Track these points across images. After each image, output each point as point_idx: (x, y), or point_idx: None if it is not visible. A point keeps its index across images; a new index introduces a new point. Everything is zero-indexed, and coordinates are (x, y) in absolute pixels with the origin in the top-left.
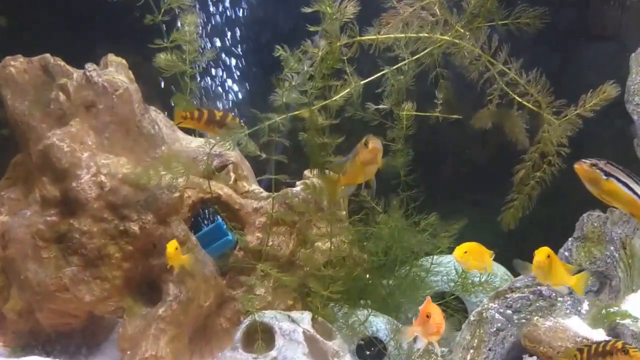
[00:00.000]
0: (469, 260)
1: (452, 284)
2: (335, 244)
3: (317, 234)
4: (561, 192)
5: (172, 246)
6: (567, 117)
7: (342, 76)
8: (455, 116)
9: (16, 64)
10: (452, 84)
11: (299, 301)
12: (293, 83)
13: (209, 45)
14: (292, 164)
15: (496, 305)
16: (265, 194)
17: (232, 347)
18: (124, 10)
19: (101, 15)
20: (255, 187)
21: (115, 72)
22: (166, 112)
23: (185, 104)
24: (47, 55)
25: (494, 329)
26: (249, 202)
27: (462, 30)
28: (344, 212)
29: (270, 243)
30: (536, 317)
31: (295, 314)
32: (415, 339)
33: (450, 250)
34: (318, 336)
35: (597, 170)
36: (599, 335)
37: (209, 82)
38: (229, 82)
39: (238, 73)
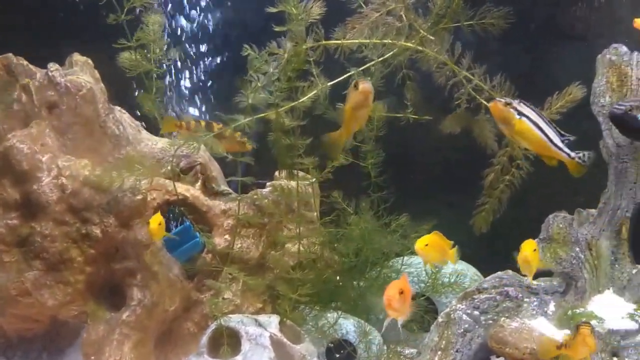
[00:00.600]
0: (429, 253)
1: (422, 285)
2: (306, 245)
3: (288, 235)
4: (532, 192)
5: (155, 221)
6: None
7: (309, 78)
8: (426, 117)
9: None
10: (421, 84)
11: (269, 304)
12: (259, 84)
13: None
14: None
15: (464, 307)
16: (234, 194)
17: (198, 352)
18: (91, 9)
19: (67, 13)
20: (224, 188)
21: (80, 71)
22: (138, 113)
23: (151, 103)
24: (10, 54)
25: (462, 330)
26: (217, 204)
27: (428, 36)
28: (315, 214)
29: (239, 245)
30: (503, 318)
31: (262, 318)
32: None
33: None
34: (285, 340)
35: (511, 110)
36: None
37: (176, 82)
38: (195, 81)
39: (207, 72)
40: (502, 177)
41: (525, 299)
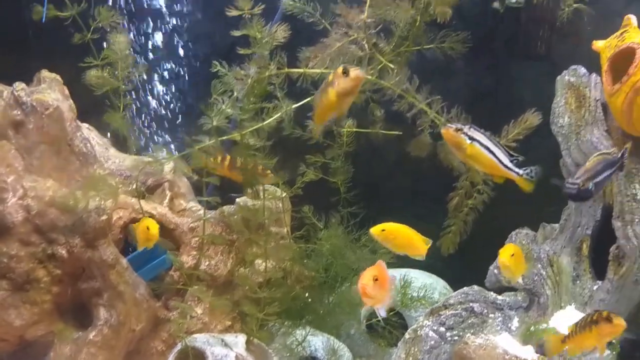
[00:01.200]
0: (388, 240)
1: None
2: (275, 262)
3: (257, 252)
4: (501, 204)
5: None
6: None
7: (274, 100)
8: (395, 132)
9: None
10: (386, 103)
11: (238, 321)
12: (224, 107)
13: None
14: None
15: (430, 323)
16: (203, 211)
17: None
18: (59, 25)
19: (36, 29)
20: (192, 205)
21: (48, 88)
22: (109, 132)
23: (119, 121)
24: None
25: (428, 347)
26: (184, 221)
27: (389, 65)
28: (286, 229)
29: (207, 263)
30: (468, 335)
31: (229, 338)
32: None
33: (389, 266)
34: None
35: (462, 135)
36: (529, 351)
37: (145, 99)
38: (166, 98)
39: (175, 89)
40: (465, 201)
41: (490, 315)
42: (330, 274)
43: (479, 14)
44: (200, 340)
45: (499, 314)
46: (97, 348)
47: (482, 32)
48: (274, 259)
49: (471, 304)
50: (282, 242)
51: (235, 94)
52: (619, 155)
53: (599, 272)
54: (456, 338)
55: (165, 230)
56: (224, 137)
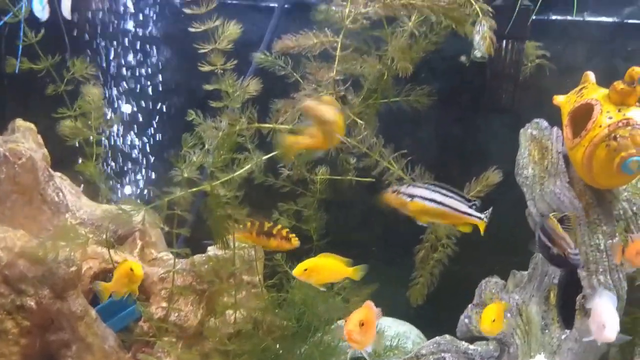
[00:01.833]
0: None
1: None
2: (246, 312)
3: (227, 302)
4: (473, 252)
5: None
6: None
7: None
8: (368, 179)
9: None
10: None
11: None
12: (194, 159)
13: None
14: None
15: None
16: (173, 261)
17: None
18: (34, 74)
19: (11, 78)
20: (164, 254)
21: (22, 137)
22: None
23: (92, 169)
24: None
25: None
26: (154, 271)
27: (357, 120)
28: (258, 278)
29: (176, 314)
30: None
31: None
32: None
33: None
34: None
35: (401, 196)
36: None
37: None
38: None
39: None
40: (431, 254)
41: None
42: (302, 323)
43: (446, 67)
44: None
45: None
46: None
47: (450, 84)
48: (245, 309)
49: (443, 354)
50: (254, 290)
51: (206, 146)
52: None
53: (567, 321)
54: None
55: None
56: (194, 189)
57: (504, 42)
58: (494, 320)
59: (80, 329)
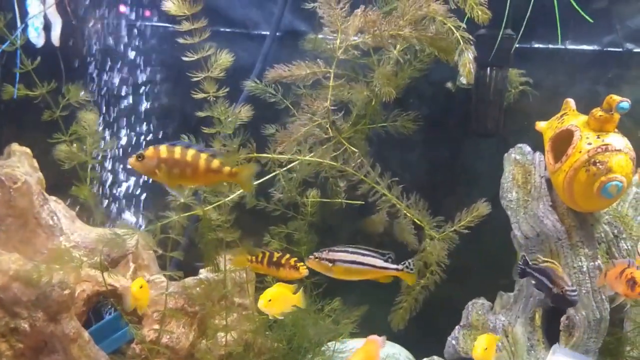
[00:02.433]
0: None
1: None
2: (237, 334)
3: (218, 325)
4: (460, 274)
5: (137, 284)
6: (445, 233)
7: None
8: (358, 202)
9: None
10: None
11: None
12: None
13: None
14: None
15: None
16: (166, 283)
17: None
18: (30, 99)
19: (6, 103)
20: (156, 277)
21: (17, 161)
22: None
23: (87, 193)
24: None
25: None
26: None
27: (351, 149)
28: (249, 299)
29: (168, 337)
30: None
31: None
32: None
33: (356, 336)
34: None
35: (323, 262)
36: None
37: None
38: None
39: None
40: (418, 280)
41: None
42: (292, 345)
43: (433, 93)
44: None
45: None
46: None
47: (436, 110)
48: (236, 331)
49: None
50: (245, 313)
51: None
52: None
53: (552, 341)
54: None
55: None
56: (188, 214)
57: (488, 69)
58: (486, 349)
59: (74, 351)
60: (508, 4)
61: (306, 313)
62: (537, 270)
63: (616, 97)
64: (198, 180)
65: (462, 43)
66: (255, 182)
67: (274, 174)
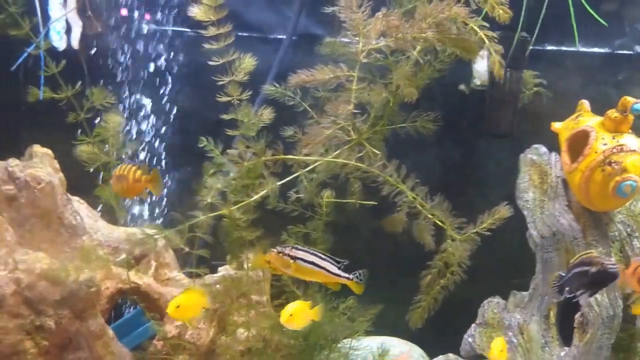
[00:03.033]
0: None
1: None
2: (255, 331)
3: (237, 321)
4: (477, 270)
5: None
6: (466, 235)
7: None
8: (370, 202)
9: None
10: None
11: None
12: (218, 186)
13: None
14: None
15: None
16: (187, 281)
17: None
18: (50, 102)
19: (27, 105)
20: (176, 274)
21: (39, 163)
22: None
23: (109, 194)
24: None
25: None
26: (168, 291)
27: (374, 151)
28: (266, 297)
29: (190, 332)
30: None
31: None
32: None
33: (371, 334)
34: None
35: (285, 257)
36: None
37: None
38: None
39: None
40: (437, 279)
41: None
42: (309, 342)
43: (446, 95)
44: None
45: None
46: None
47: (449, 111)
48: (255, 328)
49: None
50: (262, 310)
51: (231, 174)
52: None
53: (566, 339)
54: None
55: (150, 300)
56: (214, 214)
57: (503, 71)
58: (501, 350)
59: (98, 348)
60: (524, 6)
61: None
62: (574, 271)
63: (630, 99)
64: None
65: (487, 42)
66: (278, 183)
67: (295, 174)
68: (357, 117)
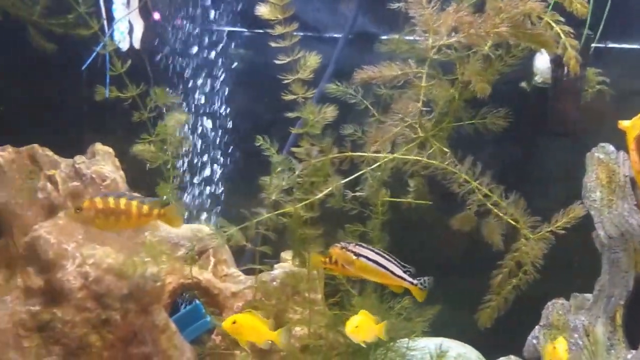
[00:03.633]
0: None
1: None
2: (312, 328)
3: (293, 318)
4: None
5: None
6: (540, 233)
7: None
8: (426, 202)
9: (4, 154)
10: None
11: None
12: (283, 183)
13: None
14: None
15: None
16: (243, 277)
17: None
18: (111, 101)
19: (90, 103)
20: (233, 271)
21: (102, 161)
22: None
23: (168, 191)
24: (36, 145)
25: None
26: (227, 286)
27: (442, 148)
28: (320, 296)
29: None
30: None
31: None
32: None
33: (426, 335)
34: None
35: (348, 252)
36: None
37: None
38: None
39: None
40: (509, 279)
41: None
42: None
43: (507, 92)
44: None
45: None
46: None
47: (510, 108)
48: (311, 325)
49: None
50: (317, 308)
51: (296, 172)
52: None
53: (633, 341)
54: None
55: (209, 295)
56: (279, 211)
57: (566, 68)
58: (566, 350)
59: (162, 342)
60: (591, 3)
61: (377, 310)
62: None
63: None
64: (132, 224)
65: (563, 37)
66: (342, 181)
67: (360, 172)
68: (424, 114)
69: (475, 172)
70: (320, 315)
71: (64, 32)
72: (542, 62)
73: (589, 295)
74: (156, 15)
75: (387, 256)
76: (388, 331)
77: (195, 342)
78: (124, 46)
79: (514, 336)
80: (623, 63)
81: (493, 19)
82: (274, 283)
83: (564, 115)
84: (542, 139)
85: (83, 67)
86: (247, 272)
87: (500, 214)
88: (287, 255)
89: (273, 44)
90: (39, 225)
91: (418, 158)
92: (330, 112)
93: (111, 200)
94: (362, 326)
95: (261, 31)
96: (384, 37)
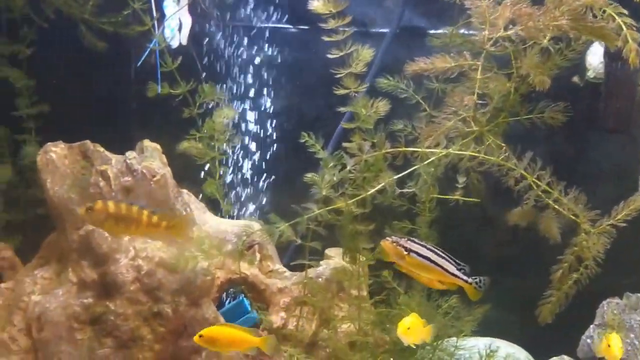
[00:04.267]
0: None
1: None
2: (358, 325)
3: (339, 315)
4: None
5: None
6: (601, 227)
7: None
8: (474, 200)
9: (57, 149)
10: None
11: None
12: (334, 178)
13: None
14: None
15: None
16: (289, 273)
17: None
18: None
19: (139, 101)
20: (279, 267)
21: (150, 157)
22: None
23: (214, 187)
24: (87, 141)
25: None
26: (273, 282)
27: (497, 142)
28: (365, 293)
29: (294, 323)
30: None
31: None
32: None
33: (474, 334)
34: None
35: (399, 247)
36: None
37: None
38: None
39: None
40: (569, 274)
41: None
42: None
43: (559, 87)
44: None
45: None
46: None
47: (562, 104)
48: (358, 322)
49: None
50: (362, 305)
51: (348, 167)
52: None
53: None
54: None
55: (256, 290)
56: (330, 207)
57: (619, 63)
58: (621, 347)
59: None
60: None
61: (424, 308)
62: None
63: None
64: (140, 232)
65: (624, 29)
66: (395, 177)
67: (414, 167)
68: (479, 108)
69: (535, 168)
70: (366, 313)
71: (114, 31)
72: (594, 57)
73: None
74: (203, 13)
75: (440, 253)
76: (436, 333)
77: None
78: (174, 43)
79: (562, 336)
80: None
81: (553, 12)
82: (320, 279)
83: (618, 111)
84: (594, 134)
85: (138, 64)
86: (291, 268)
87: (560, 209)
88: (331, 252)
89: (326, 38)
90: None
91: (475, 154)
92: (382, 106)
93: (123, 206)
94: (413, 328)
95: (306, 27)
96: (431, 31)
